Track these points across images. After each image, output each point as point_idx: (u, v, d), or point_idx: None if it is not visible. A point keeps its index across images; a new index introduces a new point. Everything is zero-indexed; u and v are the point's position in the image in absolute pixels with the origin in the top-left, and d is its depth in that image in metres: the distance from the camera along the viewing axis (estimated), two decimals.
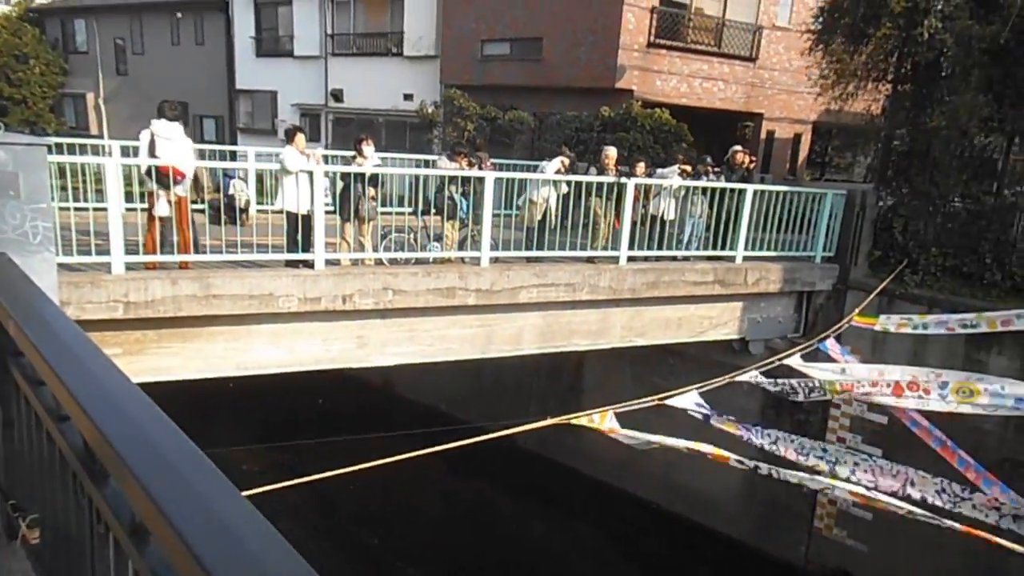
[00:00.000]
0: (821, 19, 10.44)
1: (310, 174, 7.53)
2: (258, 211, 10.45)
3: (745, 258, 10.10)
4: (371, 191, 7.92)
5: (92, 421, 1.34)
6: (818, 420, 11.21)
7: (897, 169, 10.80)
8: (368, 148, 7.92)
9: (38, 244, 3.33)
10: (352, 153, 8.21)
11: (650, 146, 14.39)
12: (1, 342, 2.76)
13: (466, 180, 8.45)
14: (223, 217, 10.35)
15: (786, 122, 16.63)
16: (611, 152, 9.36)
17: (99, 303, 6.63)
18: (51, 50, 29.11)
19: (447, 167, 8.46)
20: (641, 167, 9.35)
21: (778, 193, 10.16)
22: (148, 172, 7.05)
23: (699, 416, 6.08)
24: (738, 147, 10.37)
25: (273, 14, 21.55)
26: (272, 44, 21.84)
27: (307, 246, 7.71)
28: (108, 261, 6.82)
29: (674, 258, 9.77)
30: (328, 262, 7.80)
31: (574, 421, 5.25)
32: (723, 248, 9.91)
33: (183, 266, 7.32)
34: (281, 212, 7.59)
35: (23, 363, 2.11)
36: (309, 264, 7.73)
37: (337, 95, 20.04)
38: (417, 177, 8.34)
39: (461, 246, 8.70)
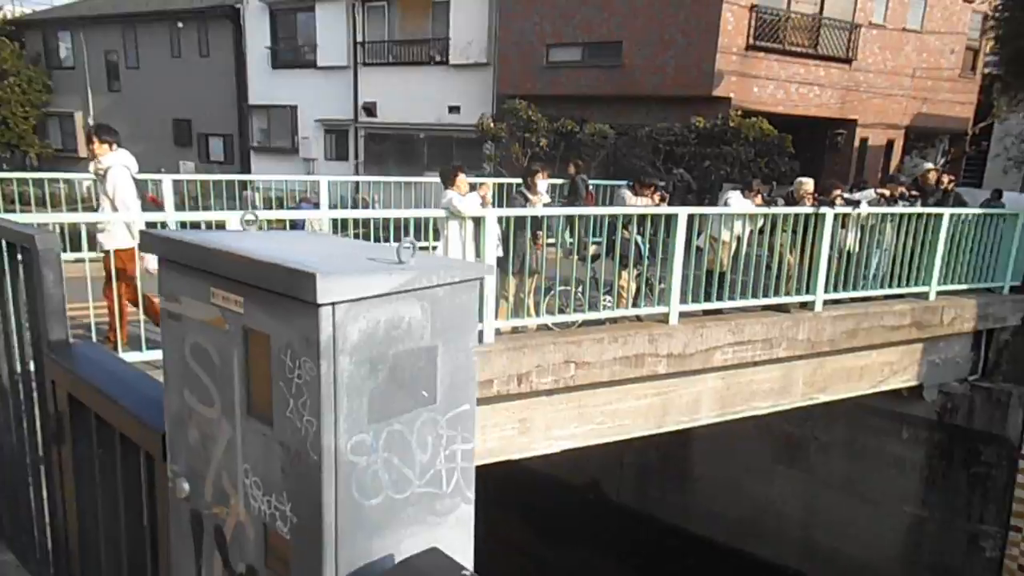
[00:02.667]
0: (1005, 13, 8.91)
1: (477, 221, 5.78)
2: None
3: (937, 293, 8.57)
4: (543, 236, 6.19)
5: None
6: (1003, 475, 9.69)
7: None
8: (543, 183, 6.19)
9: (451, 491, 1.52)
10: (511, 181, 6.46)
11: (750, 160, 12.85)
12: None
13: (643, 218, 6.74)
14: None
15: (880, 128, 15.19)
16: (807, 183, 7.77)
17: None
18: (32, 66, 26.76)
19: (632, 202, 6.75)
20: (837, 192, 7.76)
21: (969, 216, 8.66)
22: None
23: None
24: (929, 164, 8.84)
25: (291, 21, 19.61)
26: (291, 54, 19.88)
27: None
28: None
29: (863, 299, 8.18)
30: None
31: None
32: (911, 283, 8.37)
33: None
34: None
35: None
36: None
37: (370, 109, 18.18)
38: (587, 216, 6.60)
39: (636, 299, 6.99)
